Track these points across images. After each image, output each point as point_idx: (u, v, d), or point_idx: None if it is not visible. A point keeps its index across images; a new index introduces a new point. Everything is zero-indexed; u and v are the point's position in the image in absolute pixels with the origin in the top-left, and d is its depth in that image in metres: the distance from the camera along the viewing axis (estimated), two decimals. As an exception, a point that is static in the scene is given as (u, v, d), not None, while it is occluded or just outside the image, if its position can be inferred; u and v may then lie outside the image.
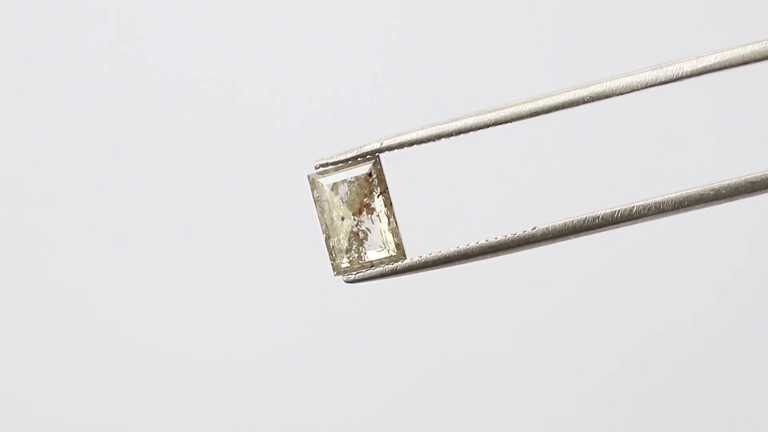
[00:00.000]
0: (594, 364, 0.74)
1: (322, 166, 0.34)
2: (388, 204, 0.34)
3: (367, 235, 0.34)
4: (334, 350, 0.75)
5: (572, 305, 0.74)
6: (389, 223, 0.34)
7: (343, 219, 0.34)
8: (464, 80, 0.75)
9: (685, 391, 0.74)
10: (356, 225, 0.34)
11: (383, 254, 0.34)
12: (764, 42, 0.32)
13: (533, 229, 0.34)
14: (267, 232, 0.75)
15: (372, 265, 0.34)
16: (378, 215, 0.34)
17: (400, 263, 0.34)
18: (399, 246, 0.34)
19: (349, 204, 0.34)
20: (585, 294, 0.74)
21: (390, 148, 0.34)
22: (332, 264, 0.35)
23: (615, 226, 0.33)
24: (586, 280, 0.74)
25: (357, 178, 0.34)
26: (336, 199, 0.34)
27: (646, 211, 0.33)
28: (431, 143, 0.33)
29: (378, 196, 0.34)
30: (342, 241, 0.34)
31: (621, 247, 0.73)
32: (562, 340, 0.74)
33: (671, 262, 0.74)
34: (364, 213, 0.34)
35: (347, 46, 0.76)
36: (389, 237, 0.34)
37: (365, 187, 0.34)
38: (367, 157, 0.34)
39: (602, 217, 0.33)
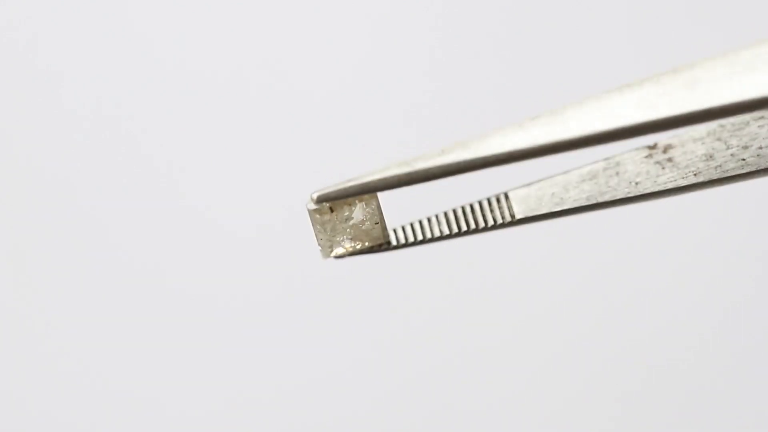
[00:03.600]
0: (596, 365, 0.74)
1: (319, 200, 0.34)
2: (381, 219, 0.35)
3: (358, 235, 0.35)
4: (326, 343, 0.75)
5: (576, 306, 0.75)
6: (381, 227, 0.35)
7: (336, 229, 0.35)
8: (465, 83, 0.76)
9: (687, 392, 0.74)
10: (347, 232, 0.35)
11: (367, 227, 0.35)
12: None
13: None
14: (260, 228, 0.75)
15: (359, 242, 0.35)
16: (369, 224, 0.35)
17: (384, 238, 0.34)
18: (383, 227, 0.35)
19: (341, 219, 0.35)
20: (587, 293, 0.75)
21: (390, 188, 0.33)
22: (320, 247, 0.35)
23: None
24: (590, 278, 0.75)
25: (352, 206, 0.35)
26: (333, 223, 0.35)
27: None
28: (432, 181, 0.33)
29: (372, 216, 0.35)
30: (334, 245, 0.35)
31: (626, 249, 0.73)
32: (568, 341, 0.75)
33: (682, 265, 0.75)
34: (357, 220, 0.35)
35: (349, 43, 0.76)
36: (378, 234, 0.35)
37: (362, 212, 0.35)
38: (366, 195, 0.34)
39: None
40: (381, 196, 0.34)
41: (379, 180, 0.33)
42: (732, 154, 0.32)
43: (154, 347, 0.75)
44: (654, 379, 0.74)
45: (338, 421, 0.75)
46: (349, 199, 0.34)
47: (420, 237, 0.34)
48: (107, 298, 0.75)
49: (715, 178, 0.31)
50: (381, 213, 0.35)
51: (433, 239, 0.34)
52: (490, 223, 0.33)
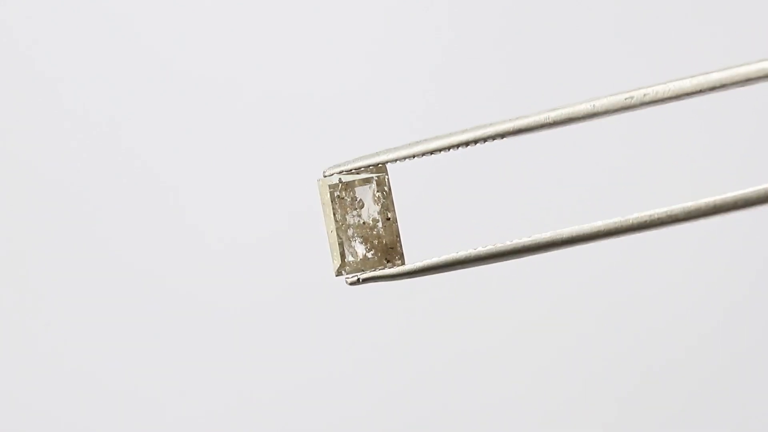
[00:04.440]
0: (590, 363, 0.75)
1: (332, 174, 0.35)
2: (392, 212, 0.35)
3: (369, 237, 0.35)
4: (326, 347, 0.75)
5: (572, 303, 0.75)
6: (392, 229, 0.35)
7: (346, 219, 0.35)
8: (469, 84, 0.76)
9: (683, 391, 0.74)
10: (359, 225, 0.35)
11: (383, 258, 0.35)
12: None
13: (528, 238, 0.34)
14: (262, 231, 0.75)
15: (374, 268, 0.35)
16: (380, 220, 0.35)
17: (400, 267, 0.35)
18: (400, 252, 0.35)
19: (353, 205, 0.35)
20: (585, 291, 0.75)
21: (398, 159, 0.34)
22: (334, 266, 0.35)
23: (607, 237, 0.34)
24: (588, 276, 0.75)
25: (364, 187, 0.35)
26: (342, 202, 0.35)
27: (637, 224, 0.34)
28: (439, 154, 0.34)
29: (381, 206, 0.35)
30: (344, 242, 0.35)
31: (626, 250, 0.74)
32: (564, 338, 0.75)
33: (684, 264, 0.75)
34: (367, 214, 0.35)
35: (347, 43, 0.76)
36: (390, 240, 0.35)
37: (372, 196, 0.35)
38: (377, 166, 0.34)
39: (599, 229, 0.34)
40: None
41: (387, 151, 0.34)
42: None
43: (155, 349, 0.75)
44: (653, 379, 0.74)
45: (338, 421, 0.75)
46: (360, 176, 0.34)
47: (437, 261, 0.34)
48: (108, 300, 0.75)
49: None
50: (392, 203, 0.35)
51: (450, 264, 0.34)
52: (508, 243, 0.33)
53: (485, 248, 0.34)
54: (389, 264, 0.35)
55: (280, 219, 0.75)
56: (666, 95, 0.34)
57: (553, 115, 0.34)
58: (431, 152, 0.34)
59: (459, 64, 0.76)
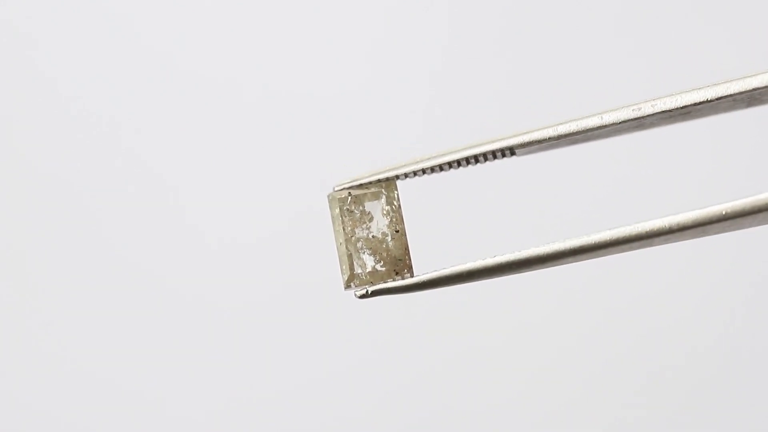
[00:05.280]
0: (590, 363, 0.75)
1: (342, 189, 0.35)
2: (401, 226, 0.35)
3: (378, 249, 0.35)
4: (326, 347, 0.75)
5: (574, 303, 0.75)
6: (401, 242, 0.35)
7: (355, 232, 0.35)
8: (473, 91, 0.76)
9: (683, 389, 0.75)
10: (368, 238, 0.35)
11: (392, 270, 0.35)
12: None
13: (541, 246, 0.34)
14: (262, 232, 0.75)
15: (383, 280, 0.35)
16: (389, 234, 0.35)
17: (409, 279, 0.35)
18: (408, 264, 0.35)
19: (362, 219, 0.35)
20: (586, 291, 0.75)
21: (408, 175, 0.34)
22: (343, 279, 0.35)
23: (619, 247, 0.34)
24: (590, 277, 0.75)
25: (374, 201, 0.35)
26: (352, 215, 0.35)
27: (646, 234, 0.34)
28: (449, 171, 0.34)
29: (391, 220, 0.35)
30: (353, 253, 0.35)
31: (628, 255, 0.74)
32: (565, 338, 0.75)
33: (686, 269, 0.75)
34: (376, 227, 0.35)
35: (354, 46, 0.76)
36: (399, 253, 0.35)
37: (381, 210, 0.35)
38: (386, 180, 0.35)
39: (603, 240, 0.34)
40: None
41: (396, 167, 0.34)
42: None
43: (155, 349, 0.75)
44: (656, 381, 0.74)
45: (338, 421, 0.75)
46: (370, 191, 0.34)
47: (448, 272, 0.34)
48: (108, 300, 0.75)
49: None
50: (401, 217, 0.35)
51: (462, 276, 0.34)
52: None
53: (495, 259, 0.34)
54: (398, 276, 0.35)
55: (280, 219, 0.75)
56: (674, 106, 0.34)
57: (561, 129, 0.34)
58: (440, 167, 0.34)
59: (459, 64, 0.76)
